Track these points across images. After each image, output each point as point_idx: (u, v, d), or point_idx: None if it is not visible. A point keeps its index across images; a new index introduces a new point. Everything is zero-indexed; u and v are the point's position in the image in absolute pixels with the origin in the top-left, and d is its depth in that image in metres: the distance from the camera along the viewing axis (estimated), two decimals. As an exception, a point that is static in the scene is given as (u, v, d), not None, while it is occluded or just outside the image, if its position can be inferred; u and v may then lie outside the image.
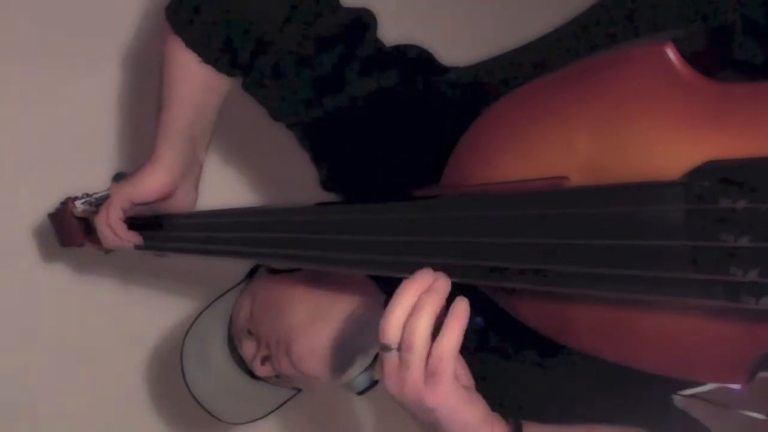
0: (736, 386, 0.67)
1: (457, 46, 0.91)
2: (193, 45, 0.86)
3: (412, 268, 0.66)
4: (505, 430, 0.68)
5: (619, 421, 0.75)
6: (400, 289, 0.64)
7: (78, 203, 1.10)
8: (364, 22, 0.84)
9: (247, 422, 1.08)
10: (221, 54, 0.86)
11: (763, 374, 0.55)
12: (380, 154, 0.82)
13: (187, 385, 1.03)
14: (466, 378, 0.67)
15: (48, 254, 1.25)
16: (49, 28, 1.21)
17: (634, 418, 0.77)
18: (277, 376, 0.98)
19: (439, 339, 0.62)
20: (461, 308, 0.63)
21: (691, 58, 0.51)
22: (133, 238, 0.98)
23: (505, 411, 0.69)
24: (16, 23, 1.19)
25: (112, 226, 0.96)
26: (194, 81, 0.89)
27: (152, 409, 1.40)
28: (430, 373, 0.62)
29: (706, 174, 0.50)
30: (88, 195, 1.10)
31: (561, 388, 0.80)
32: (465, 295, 0.65)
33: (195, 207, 1.00)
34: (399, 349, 0.63)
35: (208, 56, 0.87)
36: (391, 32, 0.87)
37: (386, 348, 0.63)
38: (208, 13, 0.84)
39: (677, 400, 0.82)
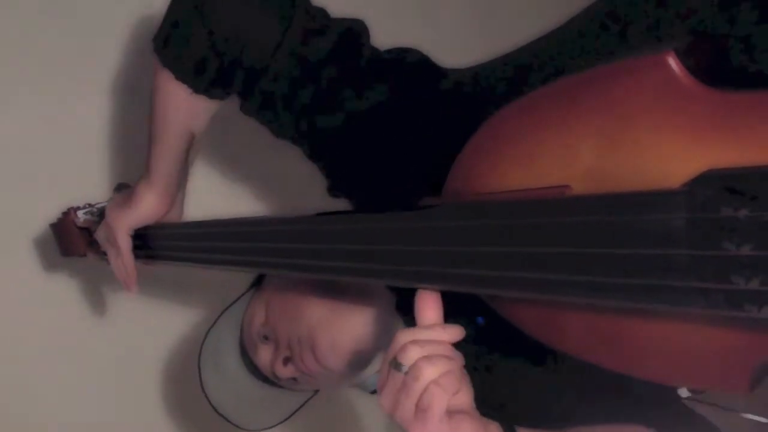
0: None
1: (454, 48, 0.91)
2: (183, 77, 0.84)
3: (411, 277, 0.67)
4: None
5: (621, 420, 0.75)
6: (428, 329, 0.67)
7: (80, 213, 1.11)
8: (355, 32, 0.82)
9: (273, 426, 1.09)
10: (212, 83, 0.83)
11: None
12: (384, 163, 0.83)
13: (213, 406, 1.04)
14: (466, 394, 0.67)
15: (49, 264, 1.25)
16: (52, 39, 1.22)
17: (636, 415, 0.77)
18: (294, 379, 0.98)
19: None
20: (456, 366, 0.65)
21: (693, 67, 0.52)
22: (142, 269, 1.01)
23: (496, 415, 0.69)
24: (20, 34, 1.20)
25: (124, 261, 1.00)
26: (186, 111, 0.88)
27: (153, 419, 1.39)
28: (421, 408, 0.64)
29: (707, 182, 0.50)
30: (90, 205, 1.11)
31: (558, 393, 0.80)
32: (464, 299, 0.66)
33: (182, 216, 1.03)
34: (406, 372, 0.65)
35: (199, 87, 0.84)
36: (387, 35, 0.86)
37: (399, 366, 0.65)
38: (197, 45, 0.81)
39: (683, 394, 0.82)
